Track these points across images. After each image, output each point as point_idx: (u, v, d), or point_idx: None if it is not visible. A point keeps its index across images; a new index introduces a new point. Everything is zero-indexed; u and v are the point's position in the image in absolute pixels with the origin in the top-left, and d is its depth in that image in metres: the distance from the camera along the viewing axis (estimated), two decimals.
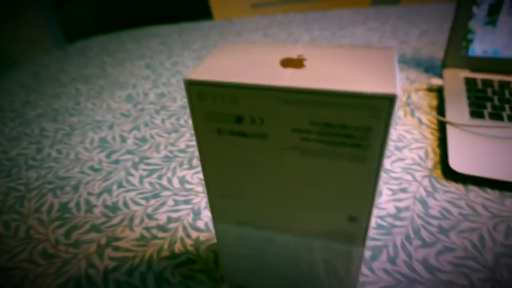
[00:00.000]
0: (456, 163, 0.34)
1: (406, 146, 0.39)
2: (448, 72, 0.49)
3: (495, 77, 0.46)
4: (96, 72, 0.63)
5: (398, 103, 0.46)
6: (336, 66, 0.17)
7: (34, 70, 0.66)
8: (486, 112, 0.40)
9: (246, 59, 0.18)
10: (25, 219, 0.34)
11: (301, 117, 0.16)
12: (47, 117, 0.50)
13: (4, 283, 0.28)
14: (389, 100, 0.14)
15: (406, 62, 0.57)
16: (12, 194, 0.37)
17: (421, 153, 0.38)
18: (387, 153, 0.18)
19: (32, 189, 0.37)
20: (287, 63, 0.18)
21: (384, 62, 0.17)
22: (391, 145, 0.39)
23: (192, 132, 0.44)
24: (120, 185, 0.37)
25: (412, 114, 0.44)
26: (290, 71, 0.17)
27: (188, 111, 0.49)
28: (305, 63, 0.17)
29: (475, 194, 0.32)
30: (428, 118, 0.43)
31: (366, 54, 0.18)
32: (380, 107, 0.15)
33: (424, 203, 0.32)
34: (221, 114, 0.17)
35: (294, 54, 0.18)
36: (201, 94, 0.17)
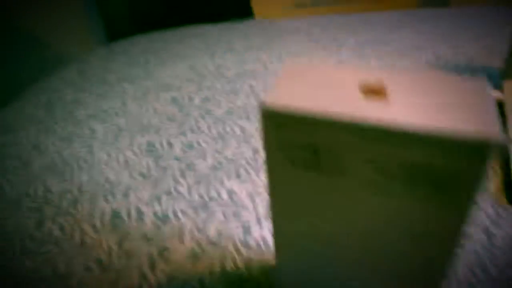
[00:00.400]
0: None
1: None
2: (509, 84, 0.46)
3: None
4: (140, 72, 0.63)
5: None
6: (424, 99, 0.16)
7: (79, 69, 0.67)
8: None
9: (323, 85, 0.17)
10: (79, 223, 0.35)
11: (387, 158, 0.15)
12: (96, 118, 0.51)
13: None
14: (489, 144, 0.13)
15: (459, 70, 0.54)
16: (66, 196, 0.38)
17: None
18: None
19: (84, 192, 0.38)
20: (367, 91, 0.16)
21: (478, 97, 0.16)
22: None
23: (240, 139, 0.44)
24: (169, 194, 0.37)
25: None
26: (374, 104, 0.15)
27: (234, 118, 0.48)
28: (388, 93, 0.16)
29: None
30: None
31: (455, 85, 0.16)
32: (478, 151, 0.14)
33: (489, 235, 0.30)
34: (297, 145, 0.16)
35: (372, 81, 0.17)
36: (278, 123, 0.16)
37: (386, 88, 0.16)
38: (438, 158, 0.14)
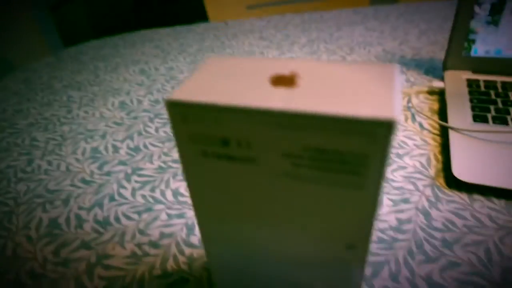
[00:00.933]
0: (460, 171, 0.33)
1: (407, 153, 0.38)
2: (449, 74, 0.47)
3: (498, 78, 0.45)
4: (90, 78, 0.62)
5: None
6: (332, 85, 0.15)
7: (26, 77, 0.65)
8: (489, 116, 0.39)
9: (233, 76, 0.17)
10: (12, 236, 0.33)
11: (293, 142, 0.15)
12: (38, 127, 0.49)
13: None
14: (387, 126, 0.13)
15: (406, 63, 0.56)
16: (0, 209, 0.36)
17: (423, 160, 0.36)
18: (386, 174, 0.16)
19: (21, 204, 0.36)
20: (278, 81, 0.16)
21: (385, 82, 0.16)
22: (391, 152, 0.38)
23: None
24: (112, 199, 0.36)
25: (413, 119, 0.43)
26: (281, 91, 0.15)
27: None
28: (298, 81, 0.16)
29: (481, 204, 0.31)
30: (430, 123, 0.42)
31: (365, 72, 0.16)
32: (377, 134, 0.14)
33: (426, 214, 0.31)
34: (206, 136, 0.16)
35: (286, 71, 0.17)
36: (183, 115, 0.16)
37: (297, 76, 0.16)
38: (340, 141, 0.14)
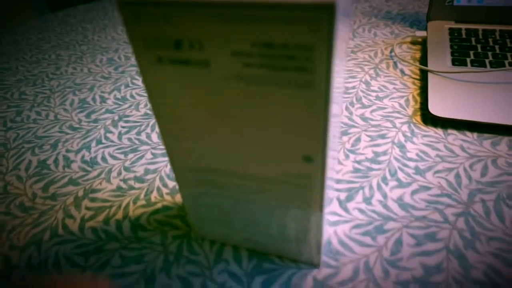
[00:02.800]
0: (436, 108, 0.34)
1: (387, 96, 0.38)
2: (432, 24, 0.48)
3: (480, 27, 0.45)
4: (78, 38, 0.62)
5: (381, 56, 0.45)
6: None
7: (13, 39, 0.65)
8: (468, 60, 0.39)
9: None
10: (2, 176, 0.34)
11: (240, 37, 0.15)
12: (27, 82, 0.49)
13: None
14: (328, 10, 0.14)
15: (392, 18, 0.56)
16: None
17: (402, 101, 0.37)
18: (337, 80, 0.17)
19: (11, 149, 0.37)
20: None
21: None
22: (371, 95, 0.39)
23: None
24: (99, 142, 0.37)
25: (395, 66, 0.43)
26: None
27: None
28: None
29: (454, 137, 0.32)
30: (411, 69, 0.42)
31: None
32: (319, 20, 0.14)
33: (402, 147, 0.32)
34: (159, 39, 0.16)
35: None
36: (135, 15, 0.16)
37: None
38: (284, 31, 0.14)
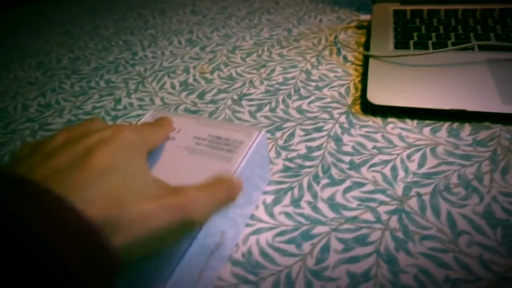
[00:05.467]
0: (374, 95, 0.31)
1: (327, 85, 0.36)
2: (377, 7, 0.45)
3: (425, 7, 0.43)
4: (9, 41, 0.57)
5: (324, 43, 0.43)
6: None
7: None
8: (411, 42, 0.37)
9: None
10: None
11: None
12: None
13: None
14: None
15: (338, 2, 0.53)
16: None
17: (342, 90, 0.35)
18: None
19: None
20: None
21: None
22: (311, 85, 0.36)
23: (101, 93, 0.40)
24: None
25: (338, 53, 0.41)
26: None
27: (101, 73, 0.44)
28: None
29: (393, 126, 0.30)
30: (354, 55, 0.40)
31: None
32: None
33: (338, 140, 0.29)
34: None
35: None
36: None
37: None
38: None
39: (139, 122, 0.26)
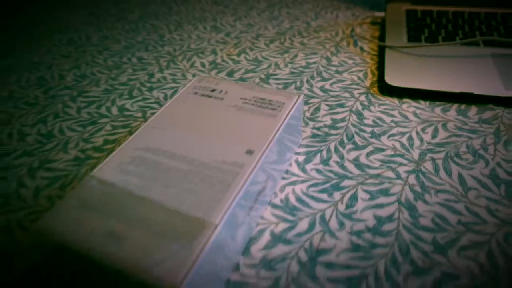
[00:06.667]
0: (392, 78, 0.35)
1: (347, 70, 0.40)
2: (391, 6, 0.49)
3: (434, 8, 0.47)
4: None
5: (342, 35, 0.46)
6: None
7: None
8: (423, 37, 0.41)
9: None
10: None
11: None
12: None
13: None
14: None
15: (352, 1, 0.57)
16: None
17: (361, 75, 0.39)
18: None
19: None
20: None
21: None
22: (331, 69, 0.40)
23: (134, 67, 0.43)
24: (57, 116, 0.36)
25: (355, 44, 0.44)
26: None
27: (132, 50, 0.47)
28: None
29: (408, 105, 0.34)
30: (370, 46, 0.44)
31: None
32: None
33: (359, 114, 0.33)
34: None
35: None
36: None
37: None
38: None
39: (185, 88, 0.29)
